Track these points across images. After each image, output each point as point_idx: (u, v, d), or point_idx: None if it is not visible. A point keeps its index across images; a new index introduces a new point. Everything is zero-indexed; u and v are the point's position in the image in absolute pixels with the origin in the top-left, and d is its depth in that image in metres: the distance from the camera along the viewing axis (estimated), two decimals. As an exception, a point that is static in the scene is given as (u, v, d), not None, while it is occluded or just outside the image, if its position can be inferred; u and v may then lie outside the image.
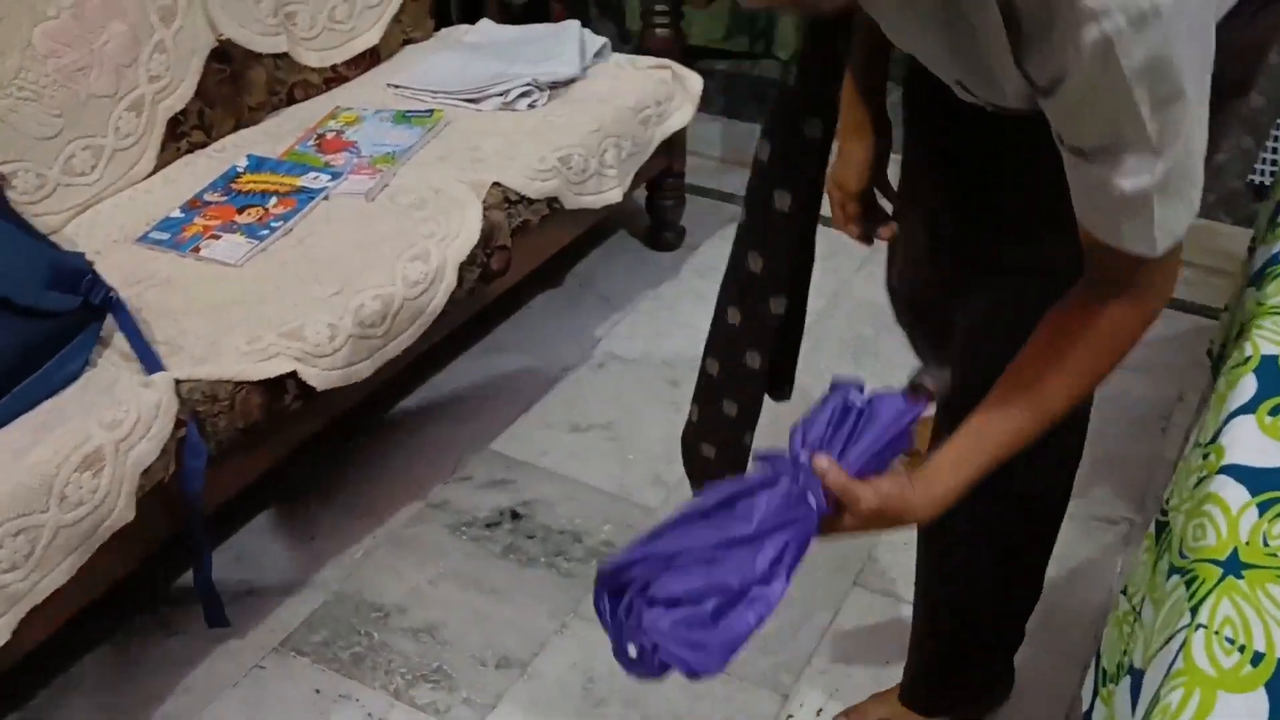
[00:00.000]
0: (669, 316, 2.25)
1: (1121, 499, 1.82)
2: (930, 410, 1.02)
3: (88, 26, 1.74)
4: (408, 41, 2.32)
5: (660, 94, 2.15)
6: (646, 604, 0.90)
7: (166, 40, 1.84)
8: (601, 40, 2.23)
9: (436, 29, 2.39)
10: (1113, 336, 0.94)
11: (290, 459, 1.71)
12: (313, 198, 1.78)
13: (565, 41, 2.18)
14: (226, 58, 1.96)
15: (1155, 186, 0.83)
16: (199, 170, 1.88)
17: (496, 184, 1.83)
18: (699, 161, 2.69)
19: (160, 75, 1.84)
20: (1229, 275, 2.28)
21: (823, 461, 0.91)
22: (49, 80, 1.70)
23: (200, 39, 1.89)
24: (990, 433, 0.96)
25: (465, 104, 2.07)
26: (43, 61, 1.69)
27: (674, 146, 2.29)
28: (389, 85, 2.15)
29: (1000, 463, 0.96)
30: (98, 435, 1.33)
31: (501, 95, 2.06)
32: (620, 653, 0.93)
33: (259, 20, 1.98)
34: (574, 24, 2.23)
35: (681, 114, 2.18)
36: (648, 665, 0.91)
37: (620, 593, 0.93)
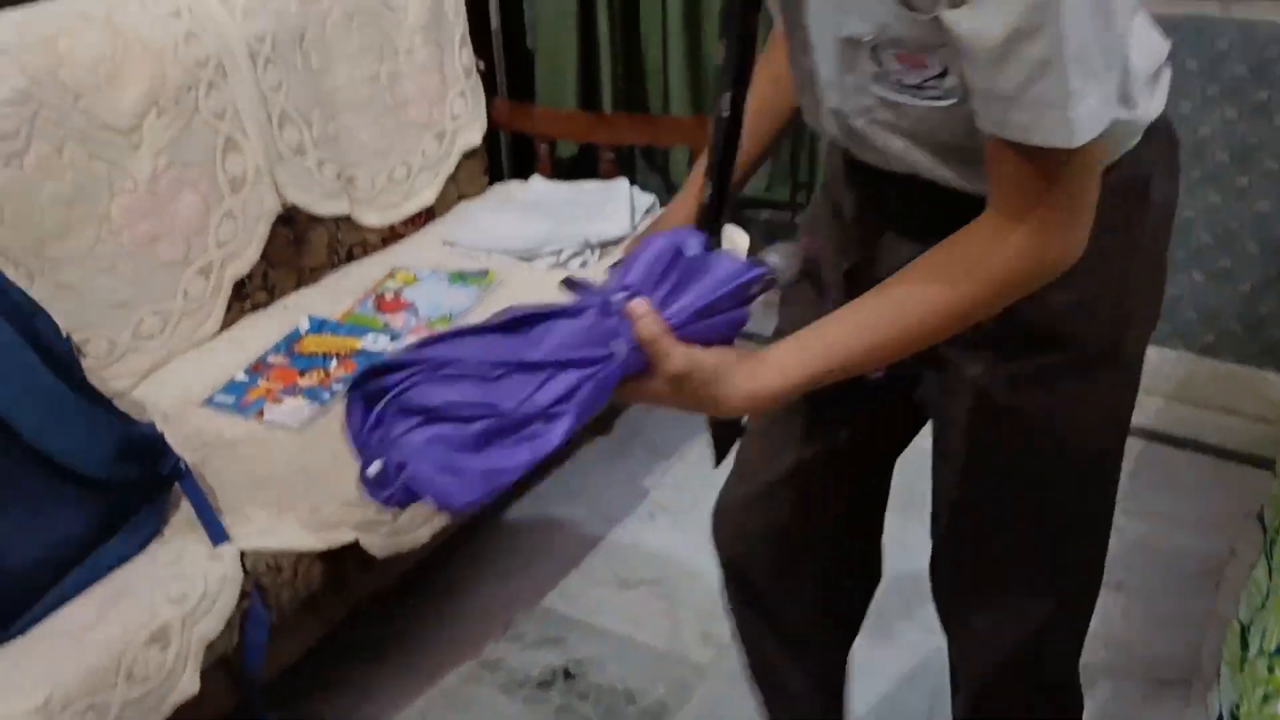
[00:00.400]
0: (717, 465, 2.27)
1: (1178, 659, 1.80)
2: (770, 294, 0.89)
3: (162, 199, 1.82)
4: (462, 197, 2.40)
5: (708, 250, 2.19)
6: (401, 414, 0.76)
7: (235, 208, 1.92)
8: (650, 198, 2.29)
9: (490, 184, 2.47)
10: (1005, 269, 0.83)
11: (345, 621, 1.72)
12: (372, 360, 1.83)
13: (615, 200, 2.24)
14: (290, 221, 2.04)
15: (1070, 56, 0.74)
16: (262, 330, 1.94)
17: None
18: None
19: (228, 241, 1.91)
20: (1277, 425, 2.29)
21: (639, 306, 0.79)
22: (123, 251, 1.77)
23: (266, 205, 1.97)
24: (841, 341, 0.85)
25: (520, 261, 2.13)
26: (118, 233, 1.77)
27: (720, 298, 2.33)
28: (445, 242, 2.22)
29: (839, 376, 0.85)
30: (165, 611, 1.36)
31: (554, 255, 2.12)
32: (362, 473, 0.78)
33: (321, 185, 2.06)
34: (623, 183, 2.30)
35: (729, 269, 2.22)
36: (391, 489, 0.76)
37: (375, 400, 0.77)
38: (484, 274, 2.07)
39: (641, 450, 2.34)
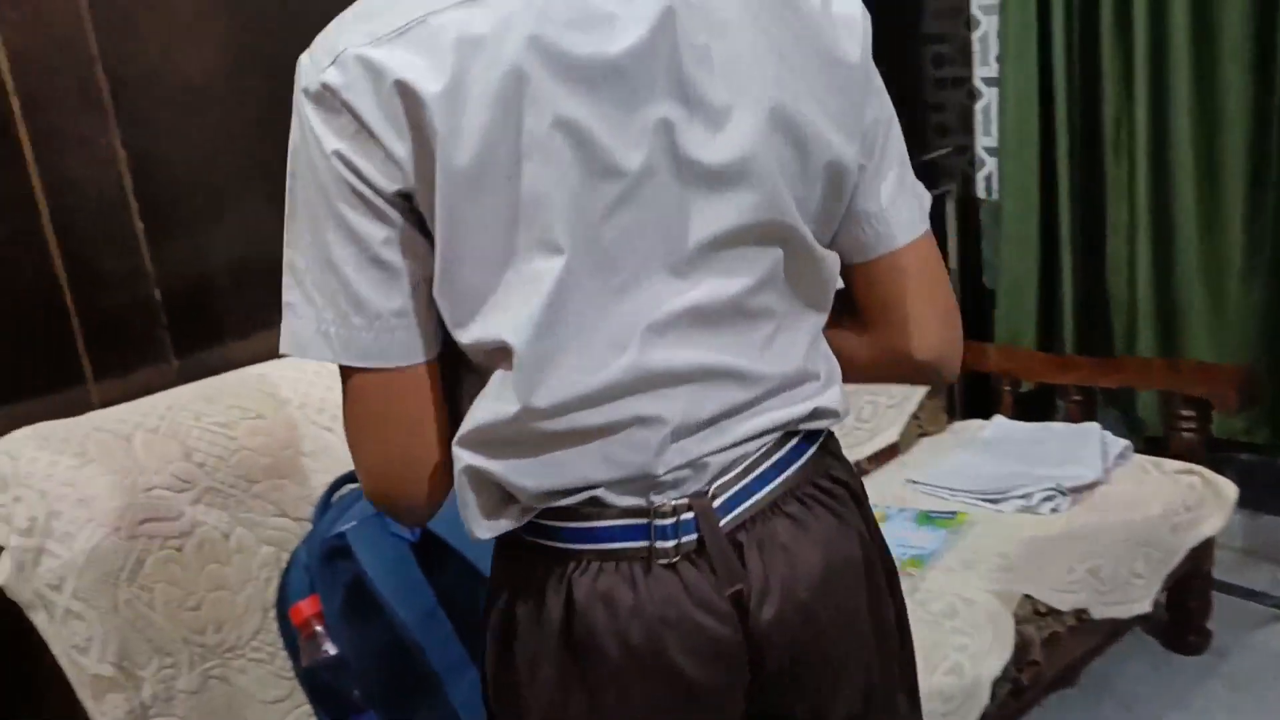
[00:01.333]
0: (1200, 733, 2.11)
1: None
2: None
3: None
4: (924, 435, 2.45)
5: (1189, 499, 2.10)
6: None
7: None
8: (1122, 443, 2.24)
9: (949, 421, 2.52)
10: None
11: None
12: (847, 598, 1.89)
13: (1086, 444, 2.21)
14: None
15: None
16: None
17: (1026, 596, 1.85)
18: (1220, 554, 2.56)
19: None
20: None
21: None
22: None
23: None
24: None
25: (985, 504, 2.14)
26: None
27: (1203, 548, 2.20)
28: (909, 480, 2.27)
29: None
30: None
31: (1023, 498, 2.11)
32: None
33: (797, 424, 2.19)
34: (1094, 427, 2.27)
35: (1213, 521, 2.11)
36: None
37: None
38: (953, 515, 2.09)
39: (1111, 707, 2.21)
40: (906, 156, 0.99)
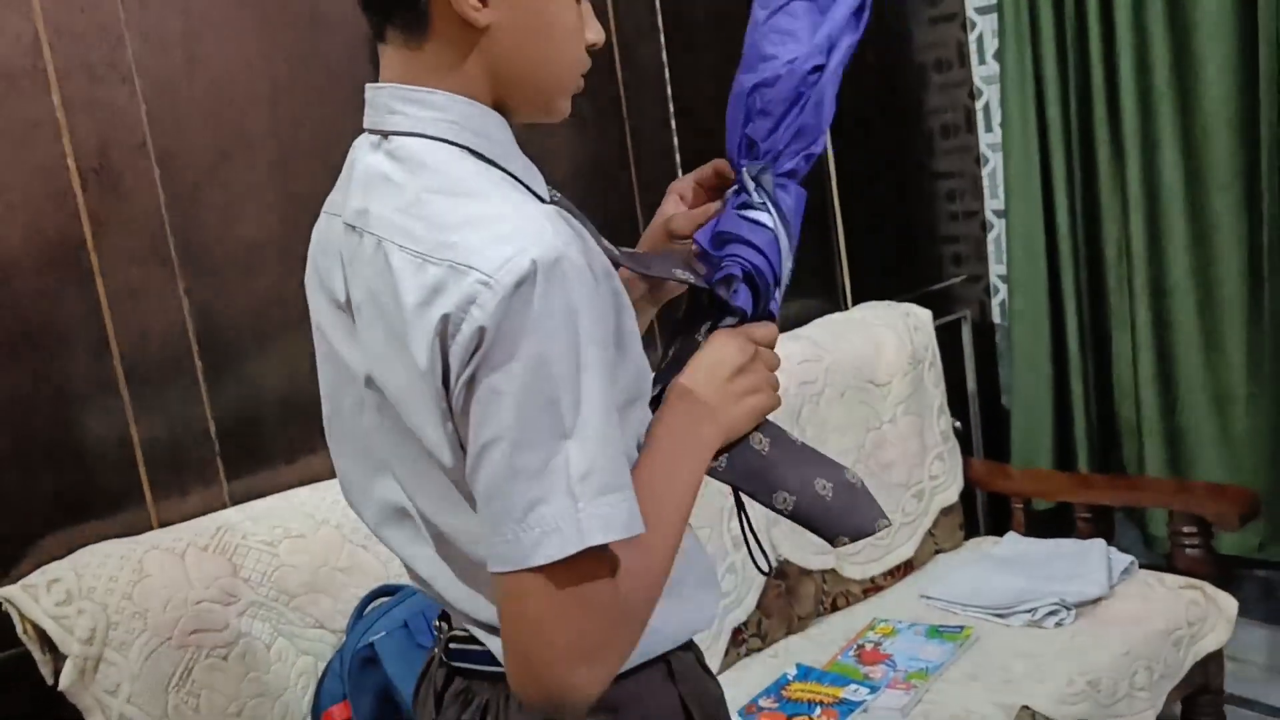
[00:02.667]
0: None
1: None
2: None
3: (677, 555, 2.12)
4: (939, 552, 2.55)
5: (1192, 615, 2.17)
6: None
7: (737, 563, 2.20)
8: (1127, 559, 2.31)
9: (965, 539, 2.61)
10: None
11: None
12: (852, 710, 1.98)
13: (1092, 560, 2.29)
14: (783, 575, 2.29)
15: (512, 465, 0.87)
16: (754, 673, 2.16)
17: (1026, 707, 1.92)
18: (1240, 668, 2.60)
19: (730, 592, 2.19)
20: None
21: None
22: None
23: (762, 563, 2.23)
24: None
25: (993, 618, 2.22)
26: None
27: (1211, 662, 2.26)
28: (922, 596, 2.36)
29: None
30: None
31: (1029, 612, 2.19)
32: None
33: (812, 542, 2.30)
34: (1099, 543, 2.35)
35: (1216, 635, 2.17)
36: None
37: None
38: (960, 630, 2.18)
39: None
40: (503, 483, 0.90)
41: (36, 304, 1.68)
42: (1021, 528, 2.58)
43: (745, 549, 2.19)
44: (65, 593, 1.63)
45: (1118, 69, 2.51)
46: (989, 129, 2.88)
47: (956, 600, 2.30)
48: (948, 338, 2.90)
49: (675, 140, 2.36)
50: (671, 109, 2.35)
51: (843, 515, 1.10)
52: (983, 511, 2.95)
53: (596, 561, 0.89)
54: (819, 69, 1.11)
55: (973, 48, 2.87)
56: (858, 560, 2.40)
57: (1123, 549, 2.39)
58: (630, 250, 1.16)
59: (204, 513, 1.81)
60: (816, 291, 2.65)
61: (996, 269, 2.94)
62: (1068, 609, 2.17)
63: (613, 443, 0.90)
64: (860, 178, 2.70)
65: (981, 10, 2.83)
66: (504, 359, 0.87)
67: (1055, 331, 2.75)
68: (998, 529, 2.69)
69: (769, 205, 1.11)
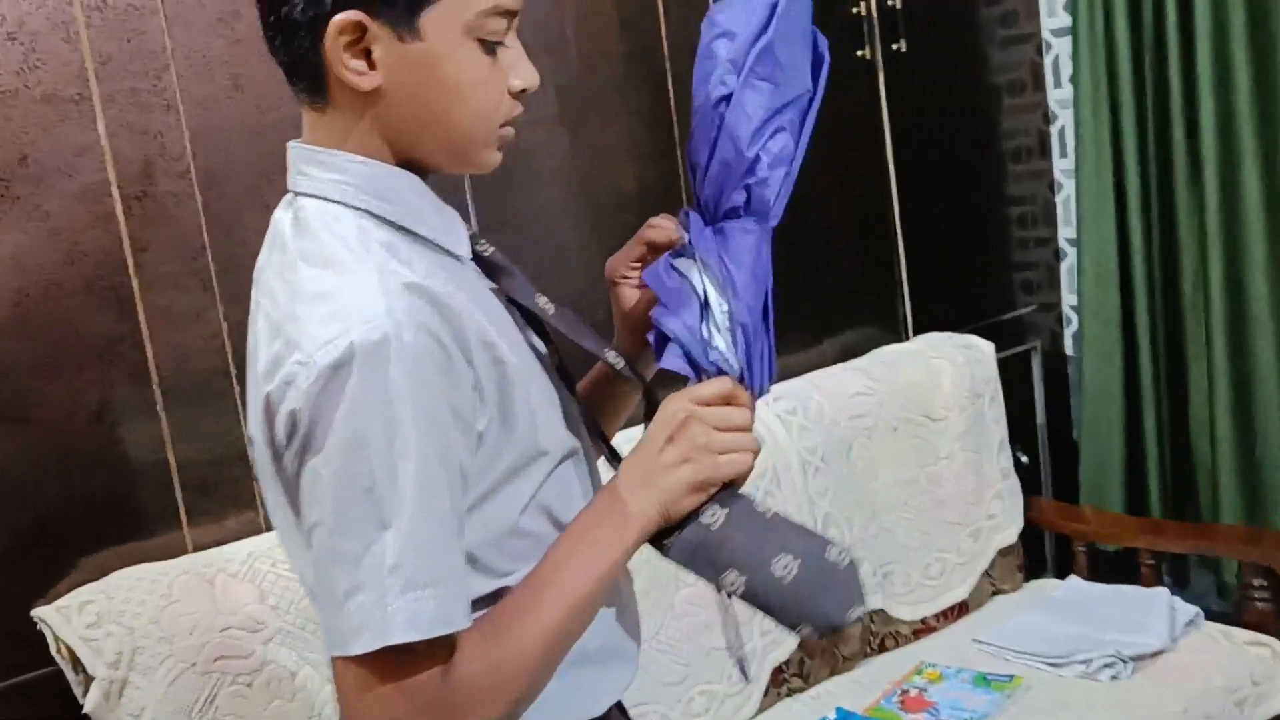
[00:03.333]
0: None
1: None
2: None
3: (717, 590, 2.08)
4: (997, 593, 2.46)
5: (1258, 673, 2.06)
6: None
7: (779, 600, 2.15)
8: (1193, 610, 2.21)
9: (1027, 579, 2.52)
10: None
11: None
12: (891, 759, 1.92)
13: (1154, 610, 2.19)
14: (828, 613, 2.22)
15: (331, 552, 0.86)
16: (794, 715, 2.11)
17: (1071, 766, 1.85)
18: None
19: (770, 631, 2.13)
20: None
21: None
22: (681, 636, 2.04)
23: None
24: None
25: (1047, 667, 2.14)
26: (679, 620, 2.05)
27: (1280, 724, 2.14)
28: (974, 640, 2.28)
29: None
30: None
31: (1084, 663, 2.10)
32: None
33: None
34: (1162, 593, 2.24)
35: (1284, 696, 2.06)
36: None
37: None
38: (1010, 679, 2.10)
39: None
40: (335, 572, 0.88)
41: (77, 326, 1.71)
42: (1085, 571, 2.48)
43: (788, 586, 2.15)
44: (96, 615, 1.65)
45: (1197, 91, 2.40)
46: (1063, 154, 2.78)
47: (1009, 646, 2.22)
48: (1017, 369, 2.81)
49: (729, 165, 2.31)
50: (726, 134, 2.31)
51: (806, 600, 1.00)
52: (1051, 549, 2.85)
53: (416, 654, 0.87)
54: (724, 100, 1.04)
55: (1048, 70, 2.77)
56: (908, 600, 2.33)
57: (1196, 595, 2.29)
58: (571, 316, 1.10)
59: (239, 537, 1.82)
60: (875, 321, 2.58)
61: (1069, 298, 2.83)
62: (1124, 661, 2.08)
63: (430, 534, 0.87)
64: (925, 203, 2.63)
65: (1058, 32, 2.73)
66: (321, 443, 0.86)
67: (1128, 364, 2.64)
68: (1065, 568, 2.59)
69: (688, 250, 1.06)
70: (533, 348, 1.05)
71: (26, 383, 1.68)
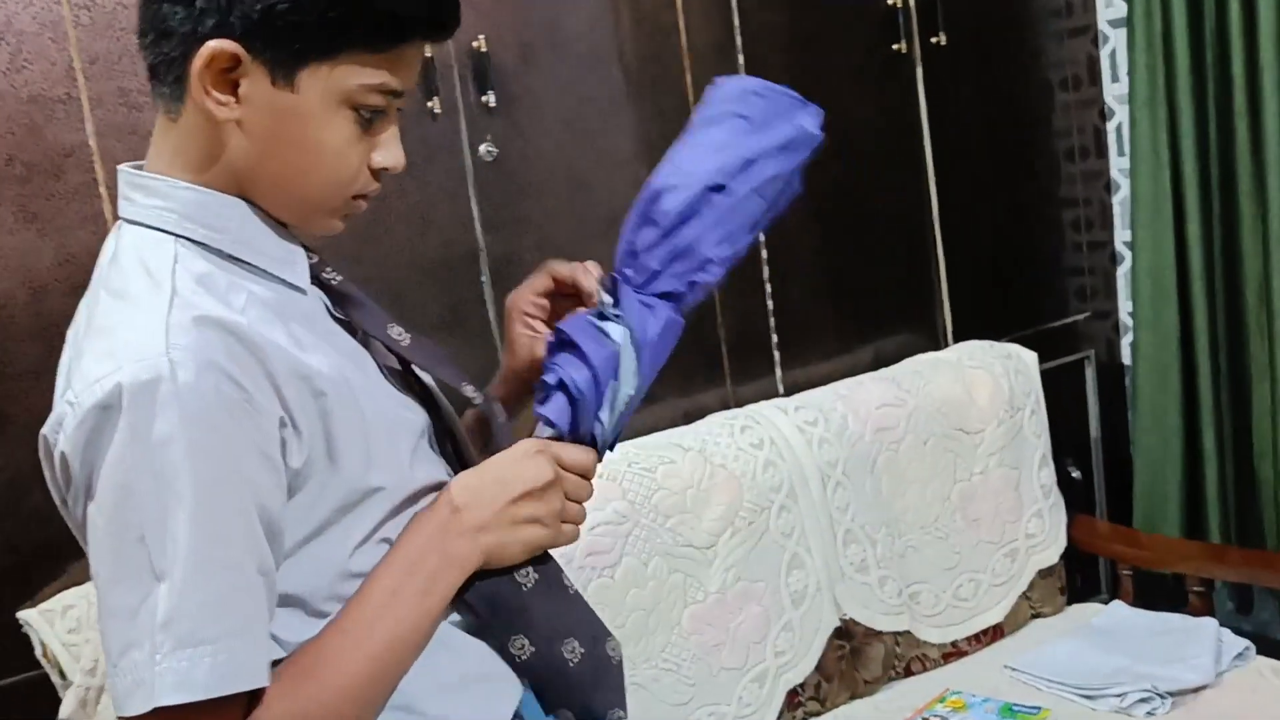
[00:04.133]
0: None
1: None
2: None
3: (728, 608, 2.01)
4: (1036, 616, 2.33)
5: (1310, 714, 1.91)
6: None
7: (794, 621, 2.06)
8: (1242, 644, 2.06)
9: (1070, 603, 2.38)
10: None
11: None
12: (901, 793, 1.82)
13: (1199, 642, 2.05)
14: (848, 634, 2.12)
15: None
16: (809, 741, 2.02)
17: (1091, 810, 1.72)
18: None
19: (784, 651, 2.04)
20: None
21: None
22: (689, 655, 1.97)
23: (825, 620, 2.08)
24: None
25: (1080, 699, 2.01)
26: (686, 638, 1.97)
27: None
28: (1006, 666, 2.16)
29: None
30: None
31: (1119, 697, 1.97)
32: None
33: (883, 601, 2.13)
34: (1210, 623, 2.10)
35: (1338, 741, 1.90)
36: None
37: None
38: (1037, 711, 1.97)
39: None
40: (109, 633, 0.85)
41: (64, 328, 1.68)
42: (1130, 596, 2.33)
43: (803, 606, 2.06)
44: (76, 620, 1.63)
45: (1261, 88, 2.24)
46: (1120, 153, 2.63)
47: (1042, 675, 2.09)
48: (1069, 380, 2.67)
49: (752, 166, 2.22)
50: (749, 133, 2.22)
51: (578, 689, 0.99)
52: (1105, 571, 2.70)
53: (200, 713, 0.81)
54: (720, 189, 1.02)
55: (1105, 64, 2.63)
56: (937, 623, 2.21)
57: (1261, 623, 2.12)
58: (429, 346, 1.06)
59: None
60: (912, 328, 2.46)
61: (1126, 306, 2.68)
62: (1161, 698, 1.94)
63: (210, 587, 0.82)
64: (969, 203, 2.50)
65: (1115, 24, 2.58)
66: (94, 489, 0.82)
67: (1186, 378, 2.48)
68: (1114, 592, 2.45)
69: (623, 320, 1.01)
70: (390, 379, 1.01)
71: (14, 385, 1.67)
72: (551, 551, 1.02)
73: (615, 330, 1.01)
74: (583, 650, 0.99)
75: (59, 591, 1.67)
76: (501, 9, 1.98)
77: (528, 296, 1.13)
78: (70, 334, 0.94)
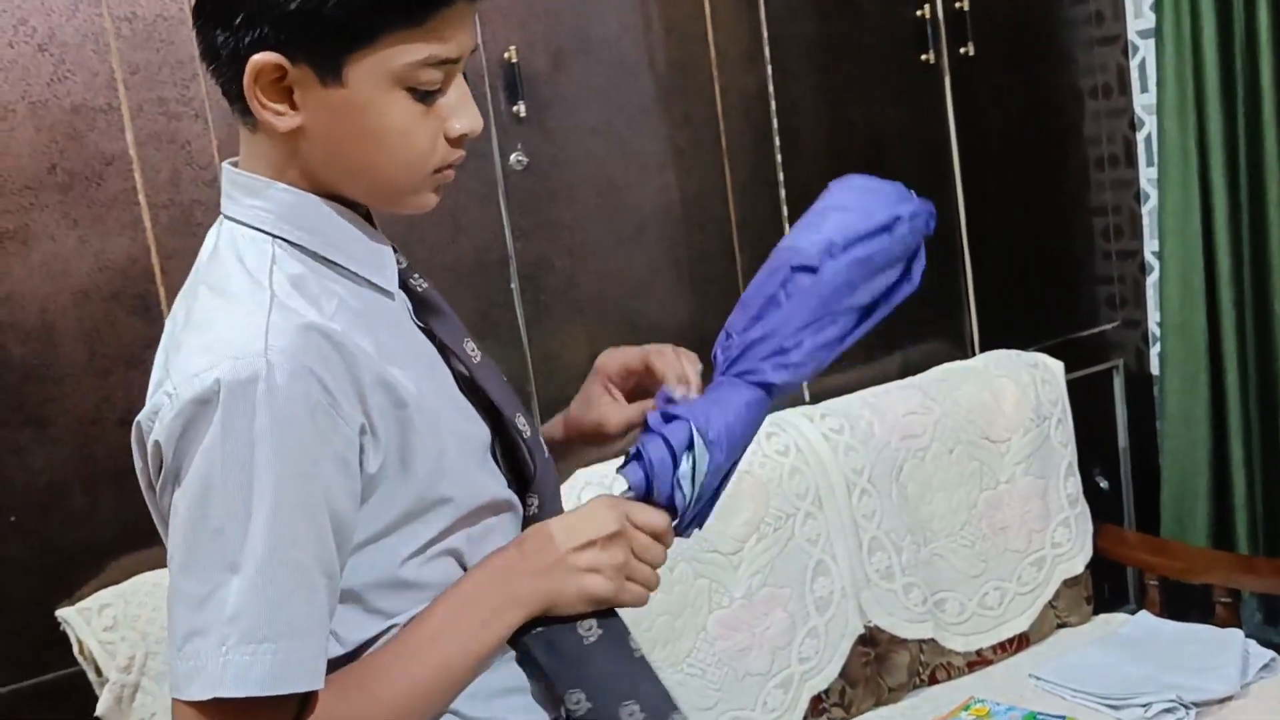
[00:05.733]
0: None
1: None
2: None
3: (754, 614, 2.02)
4: (1062, 626, 2.33)
5: (1337, 727, 1.90)
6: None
7: (819, 627, 2.07)
8: (1268, 654, 2.05)
9: (1096, 612, 2.38)
10: None
11: None
12: (925, 800, 1.82)
13: (1225, 653, 2.04)
14: (872, 642, 2.13)
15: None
16: (833, 747, 2.03)
17: (1115, 819, 1.73)
18: None
19: (809, 658, 2.05)
20: None
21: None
22: (714, 660, 1.98)
23: (850, 626, 2.09)
24: None
25: (1105, 708, 2.01)
26: (712, 643, 1.98)
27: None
28: (1031, 675, 2.16)
29: None
30: None
31: (1143, 707, 1.97)
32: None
33: (908, 608, 2.14)
34: (1236, 634, 2.09)
35: (1366, 753, 1.90)
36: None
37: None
38: (1060, 719, 1.98)
39: None
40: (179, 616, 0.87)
41: (104, 332, 1.73)
42: (1156, 607, 2.33)
43: (828, 613, 2.07)
44: (113, 618, 1.67)
45: (1291, 97, 2.24)
46: (1150, 162, 2.63)
47: (1066, 684, 2.09)
48: (1098, 389, 2.66)
49: (780, 175, 2.24)
50: (777, 142, 2.23)
51: None
52: (1133, 581, 2.69)
53: (254, 708, 0.83)
54: (807, 269, 1.00)
55: (1134, 73, 2.62)
56: (962, 631, 2.22)
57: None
58: (494, 370, 1.06)
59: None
60: (938, 336, 2.47)
61: (1156, 315, 2.68)
62: (1185, 707, 1.94)
63: (279, 586, 0.84)
64: (997, 212, 2.51)
65: (1144, 33, 2.58)
66: (183, 478, 0.84)
67: (1214, 388, 2.48)
68: (1144, 600, 2.44)
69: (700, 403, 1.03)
70: (462, 390, 1.02)
71: (54, 389, 1.71)
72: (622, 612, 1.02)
73: (686, 406, 1.03)
74: (644, 715, 0.97)
75: (96, 590, 1.70)
76: (533, 19, 2.00)
77: (618, 366, 1.14)
78: (168, 325, 0.95)
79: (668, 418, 1.01)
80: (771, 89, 2.22)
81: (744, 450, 1.04)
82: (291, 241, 0.94)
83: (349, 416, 0.88)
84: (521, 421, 1.03)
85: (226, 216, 0.98)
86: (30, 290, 1.68)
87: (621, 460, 1.03)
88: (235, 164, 0.99)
